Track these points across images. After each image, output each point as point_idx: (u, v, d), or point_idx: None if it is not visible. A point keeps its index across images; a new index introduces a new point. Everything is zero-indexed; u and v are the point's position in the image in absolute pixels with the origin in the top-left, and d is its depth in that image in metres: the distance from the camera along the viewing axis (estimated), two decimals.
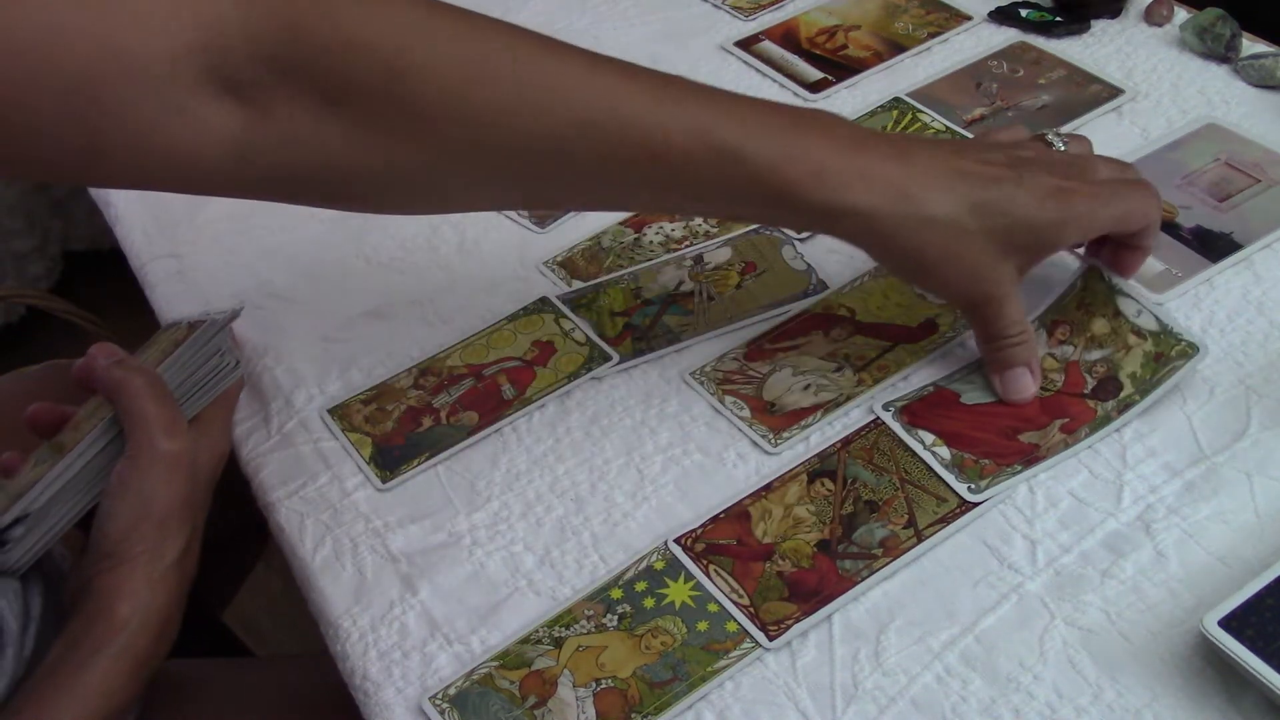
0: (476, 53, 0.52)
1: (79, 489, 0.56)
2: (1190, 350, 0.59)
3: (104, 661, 0.52)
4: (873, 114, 0.79)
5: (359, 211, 0.57)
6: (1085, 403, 0.59)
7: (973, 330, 0.60)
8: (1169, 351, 0.59)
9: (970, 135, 0.75)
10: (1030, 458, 0.57)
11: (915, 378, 0.62)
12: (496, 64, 0.52)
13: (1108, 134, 0.75)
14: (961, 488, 0.56)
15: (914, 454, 0.58)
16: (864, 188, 0.54)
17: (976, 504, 0.55)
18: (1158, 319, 0.60)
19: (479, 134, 0.52)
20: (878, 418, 0.60)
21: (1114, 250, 0.61)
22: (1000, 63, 0.82)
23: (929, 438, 0.58)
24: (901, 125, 0.78)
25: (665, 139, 0.53)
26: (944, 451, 0.58)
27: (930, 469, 0.57)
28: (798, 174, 0.54)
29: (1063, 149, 0.60)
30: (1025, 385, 0.59)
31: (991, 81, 0.80)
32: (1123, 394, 0.59)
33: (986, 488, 0.56)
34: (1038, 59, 0.81)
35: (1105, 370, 0.60)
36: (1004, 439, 0.58)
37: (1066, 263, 0.66)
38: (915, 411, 0.60)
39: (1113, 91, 0.77)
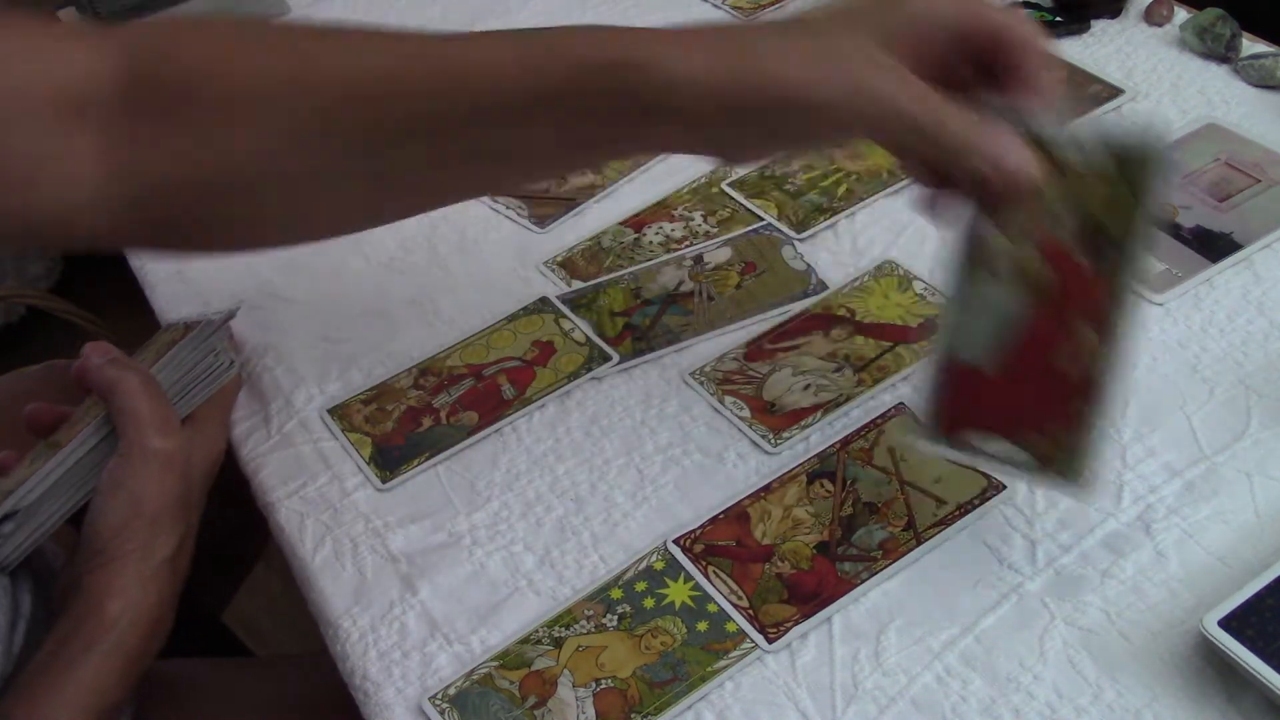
0: (297, 39, 0.52)
1: (71, 486, 0.57)
2: (1157, 159, 0.46)
3: (95, 659, 0.52)
4: None
5: (216, 250, 0.55)
6: (1089, 281, 0.47)
7: (920, 171, 0.50)
8: (1138, 175, 0.47)
9: None
10: (1090, 389, 0.47)
11: (910, 385, 0.62)
12: (319, 45, 0.52)
13: None
14: (1059, 483, 0.49)
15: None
16: (673, 41, 0.46)
17: (1084, 487, 0.49)
18: (1106, 145, 0.47)
19: (291, 111, 0.50)
20: (889, 420, 0.59)
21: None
22: None
23: (999, 447, 0.49)
24: None
25: (513, 61, 0.48)
26: (1015, 453, 0.50)
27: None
28: (686, 68, 0.46)
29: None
30: (1007, 145, 0.46)
31: None
32: (1113, 233, 0.47)
33: (1089, 466, 0.48)
34: None
35: (1083, 231, 0.47)
36: (1051, 390, 0.48)
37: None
38: (954, 416, 0.51)
39: (1113, 91, 0.77)
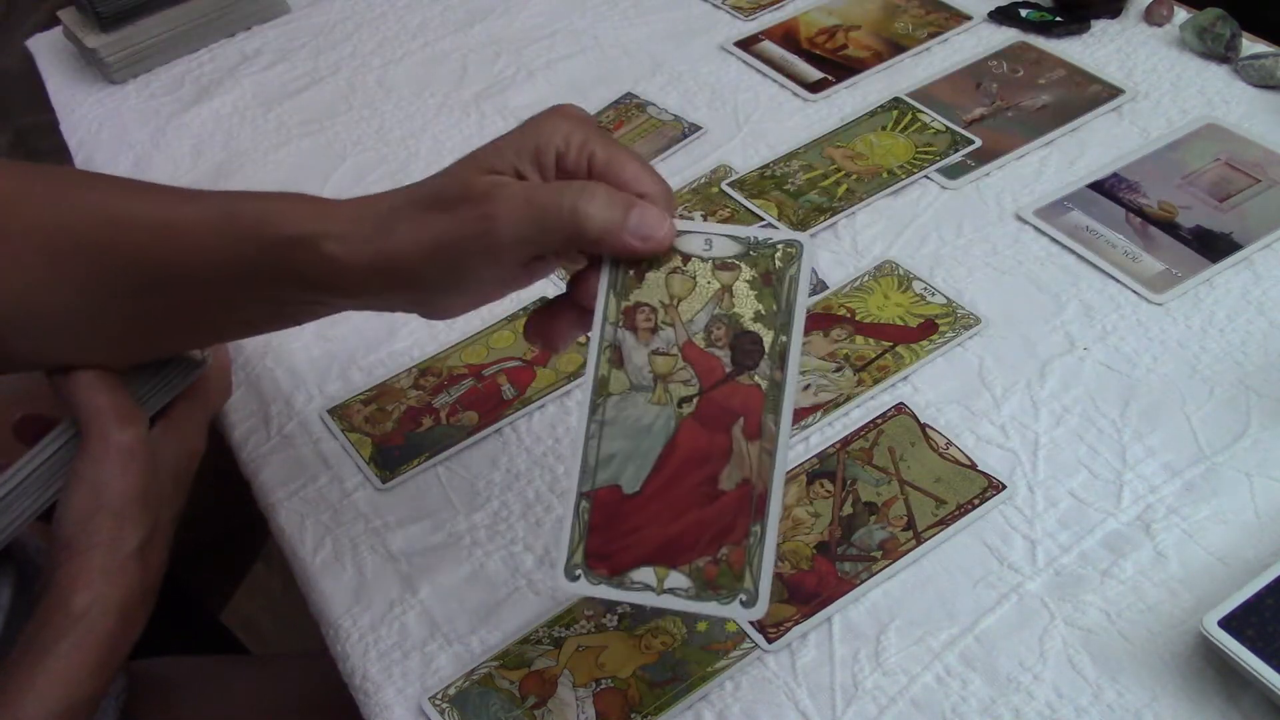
0: (22, 182, 0.54)
1: (40, 484, 0.57)
2: (792, 250, 0.44)
3: (64, 651, 0.52)
4: (873, 114, 0.79)
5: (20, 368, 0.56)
6: (738, 384, 0.44)
7: (566, 273, 0.48)
8: (772, 264, 0.45)
9: (973, 136, 0.75)
10: (757, 503, 0.43)
11: (910, 385, 0.62)
12: (38, 189, 0.54)
13: (1107, 134, 0.75)
14: (731, 610, 0.42)
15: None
16: (320, 216, 0.48)
17: (760, 612, 0.42)
18: (734, 239, 0.45)
19: (46, 242, 0.52)
20: (888, 420, 0.59)
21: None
22: (1000, 63, 0.82)
23: (650, 576, 0.43)
24: (901, 125, 0.78)
25: (169, 219, 0.51)
26: (680, 580, 0.43)
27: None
28: (279, 216, 0.48)
29: None
30: (648, 215, 0.44)
31: (991, 81, 0.80)
32: (767, 344, 0.44)
33: (755, 583, 0.42)
34: (1038, 59, 0.81)
35: (725, 331, 0.44)
36: (710, 507, 0.43)
37: (1044, 283, 0.66)
38: (600, 553, 0.43)
39: (1113, 91, 0.77)
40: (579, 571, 0.43)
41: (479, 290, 0.48)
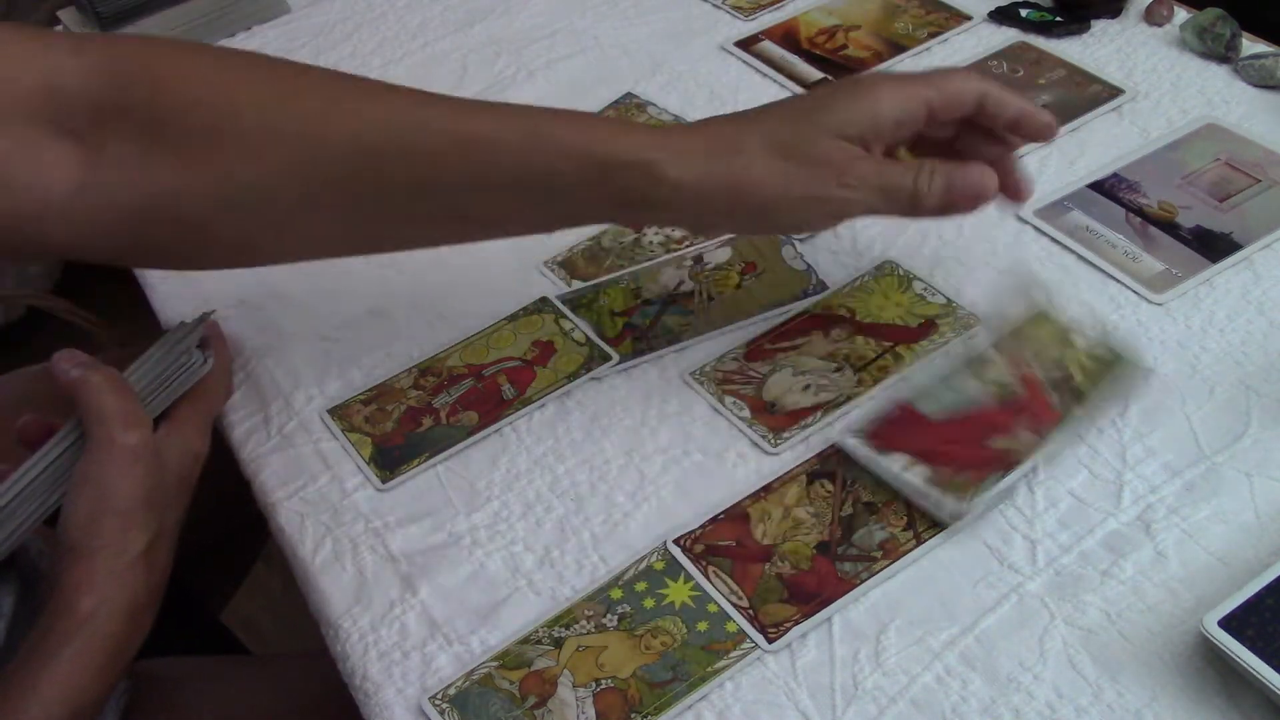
0: (290, 80, 0.55)
1: (45, 488, 0.57)
2: (1138, 367, 0.60)
3: (69, 655, 0.52)
4: None
5: (191, 268, 0.57)
6: (1047, 405, 0.58)
7: (898, 214, 0.55)
8: (1118, 365, 0.60)
9: None
10: (1007, 463, 0.56)
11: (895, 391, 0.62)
12: (314, 90, 0.55)
13: (1107, 134, 0.75)
14: (948, 501, 0.55)
15: (884, 481, 0.57)
16: (661, 142, 0.53)
17: (964, 516, 0.55)
18: (1110, 349, 0.60)
19: (300, 147, 0.53)
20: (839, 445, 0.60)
21: (990, 152, 0.57)
22: (1000, 63, 0.82)
23: (902, 459, 0.57)
24: None
25: (473, 132, 0.53)
26: (922, 470, 0.56)
27: (914, 488, 0.56)
28: (597, 137, 0.53)
29: None
30: (971, 175, 0.54)
31: None
32: (1081, 396, 0.58)
33: (973, 498, 0.55)
34: (1038, 59, 0.81)
35: (1061, 378, 0.59)
36: (977, 449, 0.57)
37: (1021, 278, 0.66)
38: (883, 435, 0.58)
39: (1113, 91, 0.77)
40: (857, 438, 0.58)
41: (796, 229, 0.59)
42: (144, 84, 0.53)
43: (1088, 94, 0.78)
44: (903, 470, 0.57)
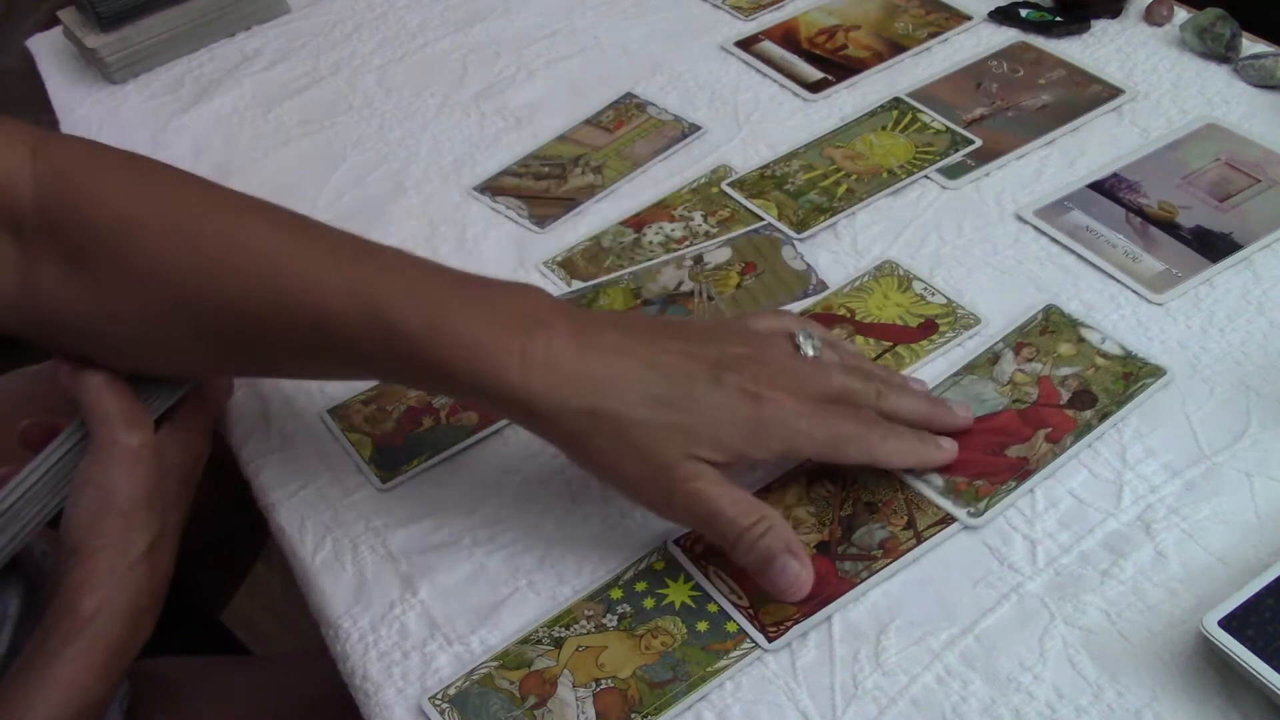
0: (186, 219, 0.55)
1: (48, 490, 0.57)
2: (1157, 372, 0.60)
3: (72, 655, 0.53)
4: (873, 114, 0.79)
5: (113, 366, 0.57)
6: (1064, 412, 0.59)
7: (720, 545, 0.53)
8: (1137, 372, 0.60)
9: (973, 136, 0.75)
10: (1022, 471, 0.56)
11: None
12: (202, 230, 0.55)
13: (1107, 134, 0.75)
14: (961, 513, 0.55)
15: (905, 484, 0.57)
16: (522, 371, 0.50)
17: (979, 528, 0.55)
18: (1122, 346, 0.61)
19: (182, 295, 0.54)
20: None
21: None
22: (1000, 63, 0.82)
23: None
24: (901, 125, 0.78)
25: (324, 304, 0.52)
26: (936, 479, 0.57)
27: (924, 498, 0.56)
28: (449, 352, 0.51)
29: (810, 353, 0.56)
30: (794, 572, 0.51)
31: (991, 82, 0.80)
32: (1099, 405, 0.59)
33: (986, 509, 0.55)
34: (1038, 59, 0.81)
35: (1077, 384, 0.60)
36: (991, 456, 0.57)
37: (1044, 283, 0.66)
38: None
39: (1113, 91, 0.77)
40: None
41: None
42: (69, 201, 0.55)
43: (1088, 94, 0.78)
44: (917, 478, 0.57)
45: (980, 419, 0.59)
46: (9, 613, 0.59)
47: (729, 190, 0.75)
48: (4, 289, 0.55)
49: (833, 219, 0.72)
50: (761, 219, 0.73)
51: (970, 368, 0.61)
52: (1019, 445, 0.58)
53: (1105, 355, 0.61)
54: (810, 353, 0.56)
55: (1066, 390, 0.59)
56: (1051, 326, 0.63)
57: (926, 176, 0.74)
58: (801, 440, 0.53)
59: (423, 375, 0.53)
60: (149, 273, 0.54)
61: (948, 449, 0.56)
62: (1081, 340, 0.62)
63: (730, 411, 0.52)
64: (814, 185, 0.74)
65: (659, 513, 0.54)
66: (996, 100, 0.78)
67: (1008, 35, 0.84)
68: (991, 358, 0.62)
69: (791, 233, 0.71)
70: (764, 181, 0.75)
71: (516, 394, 0.50)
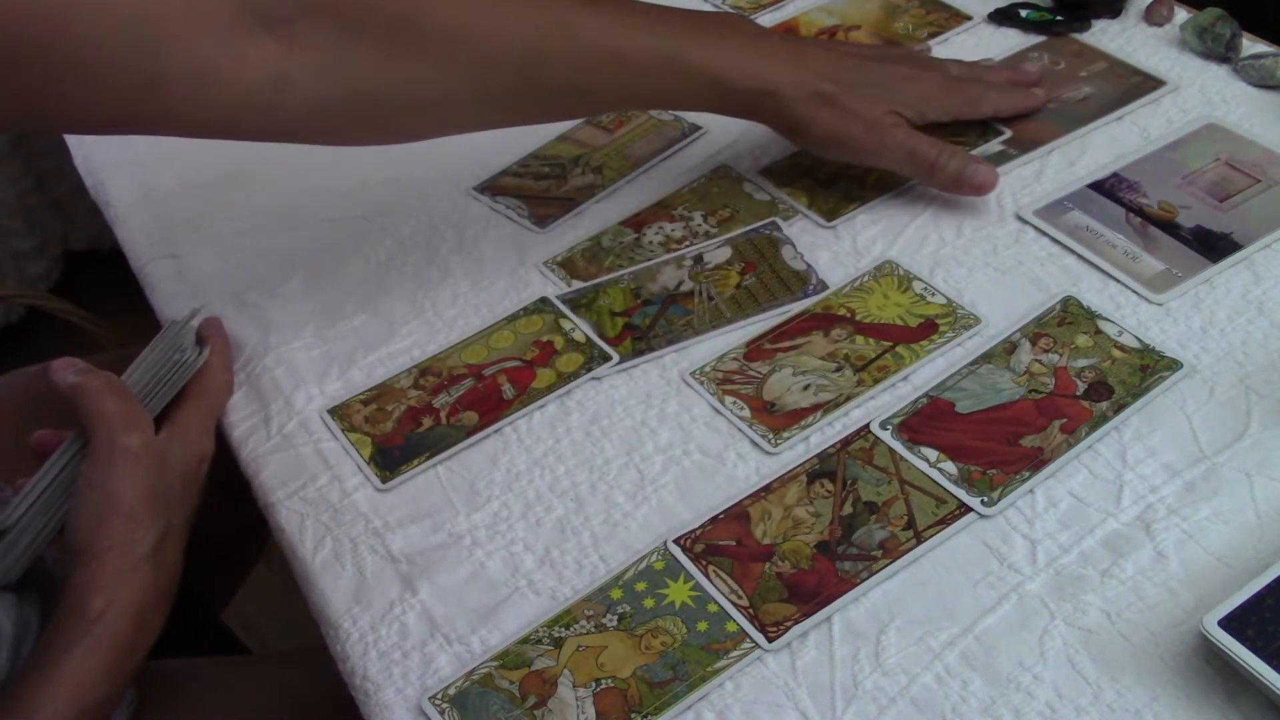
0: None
1: (58, 497, 0.57)
2: (1174, 365, 0.60)
3: (79, 655, 0.53)
4: None
5: (384, 142, 0.65)
6: (1080, 404, 0.59)
7: (920, 180, 0.72)
8: (1154, 364, 0.60)
9: (1000, 127, 0.76)
10: (1036, 462, 0.57)
11: (906, 386, 0.62)
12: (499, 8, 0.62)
13: (1108, 134, 0.75)
14: (974, 501, 0.56)
15: (919, 471, 0.57)
16: (772, 72, 0.67)
17: (991, 516, 0.55)
18: (1139, 339, 0.62)
19: (481, 48, 0.61)
20: (875, 435, 0.60)
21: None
22: (1041, 55, 0.82)
23: (932, 454, 0.58)
24: None
25: (622, 50, 0.64)
26: (950, 466, 0.57)
27: (939, 485, 0.57)
28: (724, 70, 0.66)
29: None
30: (984, 172, 0.69)
31: None
32: (1115, 397, 0.59)
33: (999, 499, 0.56)
34: (1078, 51, 0.81)
35: (1094, 376, 0.60)
36: (1006, 446, 0.58)
37: (1044, 283, 0.66)
38: (914, 426, 0.59)
39: (1154, 83, 0.77)
40: (888, 431, 0.59)
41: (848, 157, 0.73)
42: None
43: (1129, 86, 0.78)
44: (931, 465, 0.57)
45: (996, 408, 0.59)
46: (31, 626, 0.59)
47: (758, 180, 0.75)
48: (258, 90, 0.57)
49: (863, 206, 0.72)
50: (762, 219, 0.73)
51: (987, 357, 0.62)
52: (1034, 435, 0.58)
53: (1122, 348, 0.61)
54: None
55: (1083, 382, 0.60)
56: (1069, 318, 0.63)
57: None
58: (955, 99, 0.72)
59: (695, 92, 0.68)
60: (440, 30, 0.60)
61: (1039, 94, 0.76)
62: (1099, 332, 0.62)
63: (906, 80, 0.71)
64: (845, 173, 0.74)
65: (874, 160, 0.71)
66: None
67: (1008, 35, 0.84)
68: (1009, 347, 0.62)
69: (821, 219, 0.71)
70: (795, 169, 0.75)
71: (769, 87, 0.67)
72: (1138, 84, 0.78)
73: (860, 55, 0.72)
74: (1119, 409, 0.58)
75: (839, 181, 0.74)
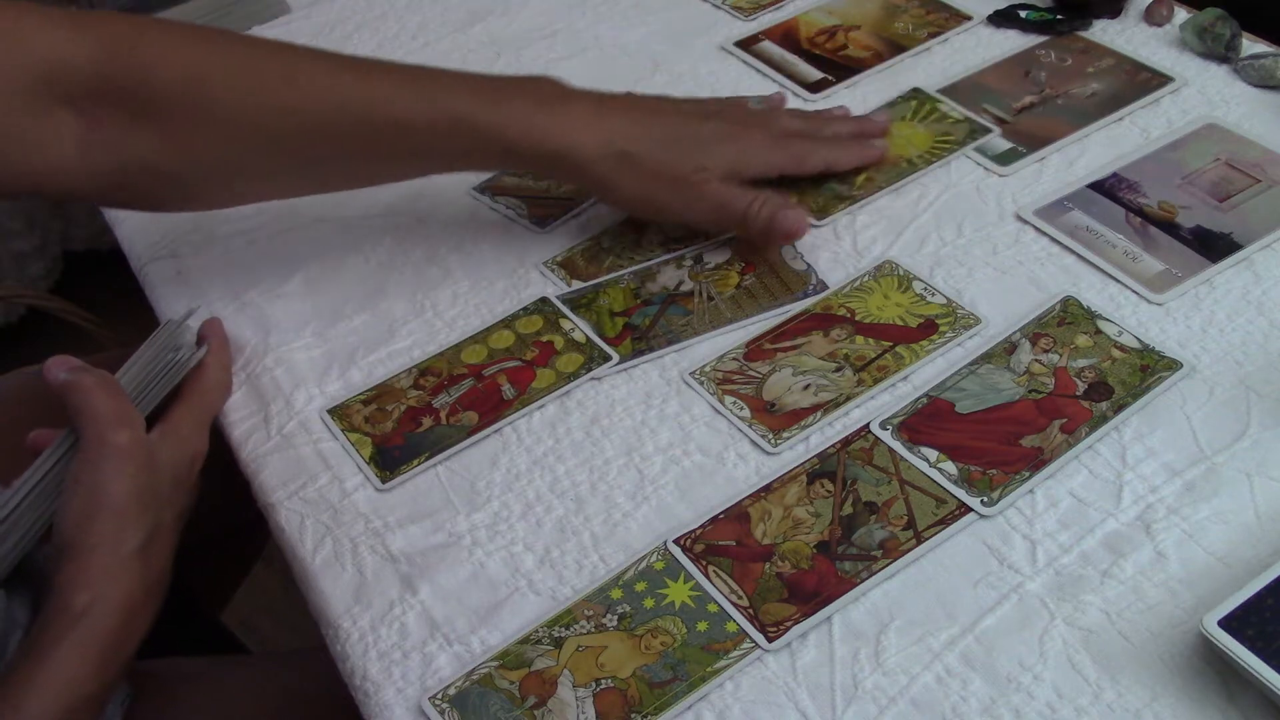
0: (254, 63, 0.64)
1: (47, 495, 0.57)
2: (1174, 365, 0.60)
3: (64, 650, 0.53)
4: (892, 104, 0.79)
5: (195, 210, 0.69)
6: (1079, 403, 0.59)
7: (738, 234, 0.70)
8: (1154, 364, 0.60)
9: (988, 125, 0.76)
10: (1036, 462, 0.57)
11: (906, 386, 0.62)
12: (271, 70, 0.64)
13: (1108, 134, 0.75)
14: (974, 502, 0.56)
15: (920, 472, 0.57)
16: (565, 132, 0.66)
17: (991, 517, 0.55)
18: (1139, 339, 0.62)
19: (269, 129, 0.63)
20: (875, 435, 0.60)
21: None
22: (1049, 52, 0.82)
23: (932, 454, 0.58)
24: (920, 114, 0.78)
25: (410, 114, 0.64)
26: (950, 467, 0.57)
27: (939, 485, 0.57)
28: (515, 132, 0.65)
29: (757, 106, 0.74)
30: (792, 218, 0.67)
31: (1040, 70, 0.80)
32: (1115, 397, 0.59)
33: (999, 499, 0.56)
34: (1086, 48, 0.81)
35: (1094, 375, 0.60)
36: (1006, 446, 0.58)
37: (1044, 283, 0.66)
38: (914, 427, 0.59)
39: (1162, 80, 0.77)
40: (888, 431, 0.59)
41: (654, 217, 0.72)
42: (133, 66, 0.61)
43: (1137, 82, 0.78)
44: (931, 465, 0.57)
45: (996, 408, 0.59)
46: (19, 622, 0.59)
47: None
48: (64, 157, 0.62)
49: (852, 207, 0.72)
50: None
51: (987, 357, 0.62)
52: (1034, 435, 0.58)
53: (1122, 348, 0.61)
54: (759, 107, 0.73)
55: (1083, 381, 0.60)
56: (1069, 318, 0.63)
57: (978, 165, 0.74)
58: (778, 156, 0.70)
59: (488, 153, 0.67)
60: (223, 117, 0.62)
61: (879, 145, 0.74)
62: (1099, 332, 0.62)
63: (721, 138, 0.68)
64: (832, 173, 0.74)
65: (686, 217, 0.69)
66: (1046, 89, 0.79)
67: (1007, 36, 0.84)
68: (1008, 347, 0.62)
69: (812, 220, 0.71)
70: None
71: (563, 149, 0.65)
72: (1145, 80, 0.78)
73: (674, 113, 0.69)
74: (1119, 409, 0.58)
75: (827, 181, 0.74)
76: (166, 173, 0.64)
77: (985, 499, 0.56)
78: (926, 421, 0.59)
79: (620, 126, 0.66)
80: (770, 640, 0.52)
